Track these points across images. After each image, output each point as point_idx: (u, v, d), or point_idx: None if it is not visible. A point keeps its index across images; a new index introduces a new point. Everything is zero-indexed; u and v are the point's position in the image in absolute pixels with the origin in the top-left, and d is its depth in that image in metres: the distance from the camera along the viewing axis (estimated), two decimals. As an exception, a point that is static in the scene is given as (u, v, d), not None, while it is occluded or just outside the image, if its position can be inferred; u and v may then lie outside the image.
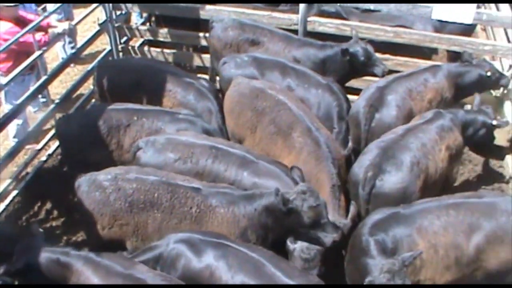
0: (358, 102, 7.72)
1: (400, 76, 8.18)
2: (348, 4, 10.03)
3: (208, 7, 9.95)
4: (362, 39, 8.76)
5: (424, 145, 6.77)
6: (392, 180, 6.38)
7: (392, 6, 9.19)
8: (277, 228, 5.92)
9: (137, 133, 7.49)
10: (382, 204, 6.14)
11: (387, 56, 9.47)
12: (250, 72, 8.24)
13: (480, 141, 7.64)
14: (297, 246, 5.94)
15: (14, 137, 9.11)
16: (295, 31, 9.52)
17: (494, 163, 9.11)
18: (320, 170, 6.71)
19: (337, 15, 9.98)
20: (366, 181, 6.33)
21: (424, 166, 6.61)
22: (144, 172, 6.33)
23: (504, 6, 10.56)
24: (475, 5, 8.74)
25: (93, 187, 6.23)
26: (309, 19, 9.49)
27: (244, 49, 9.00)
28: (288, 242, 5.95)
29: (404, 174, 6.42)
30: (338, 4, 9.65)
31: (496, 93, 9.62)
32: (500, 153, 8.80)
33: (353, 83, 9.06)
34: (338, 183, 6.63)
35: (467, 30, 10.32)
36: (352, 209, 6.31)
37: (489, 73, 8.14)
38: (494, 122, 7.34)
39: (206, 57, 10.19)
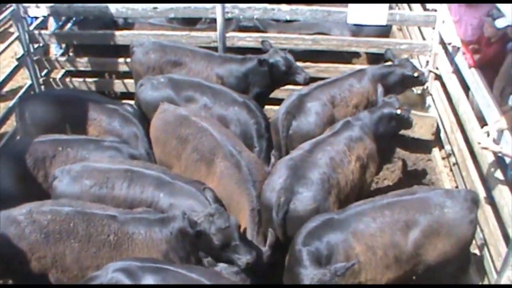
0: (279, 110, 7.75)
1: (324, 83, 8.22)
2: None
3: (126, 32, 9.94)
4: (283, 49, 8.84)
5: (332, 159, 6.70)
6: (304, 201, 6.27)
7: (308, 14, 9.35)
8: (195, 250, 5.88)
9: (63, 163, 7.33)
10: (298, 226, 6.04)
11: (308, 64, 9.60)
12: (166, 94, 8.16)
13: (392, 133, 7.71)
14: (218, 269, 5.88)
15: None
16: (215, 48, 9.53)
17: (422, 157, 9.32)
18: (240, 193, 6.58)
19: (255, 29, 10.04)
20: (279, 207, 6.19)
21: (334, 181, 6.54)
22: (59, 204, 6.19)
23: (416, 6, 10.91)
24: (387, 6, 8.94)
25: (7, 222, 6.07)
26: (227, 35, 9.54)
27: (167, 71, 8.90)
28: (206, 263, 5.89)
29: (315, 193, 6.32)
30: (255, 17, 9.67)
31: (417, 90, 9.89)
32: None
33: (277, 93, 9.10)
34: (258, 206, 6.50)
35: (384, 31, 10.61)
36: (270, 236, 6.16)
37: (416, 74, 8.26)
38: (399, 112, 7.37)
39: (129, 82, 10.11)
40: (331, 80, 8.31)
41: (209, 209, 5.80)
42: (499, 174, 6.64)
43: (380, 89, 7.77)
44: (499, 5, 5.12)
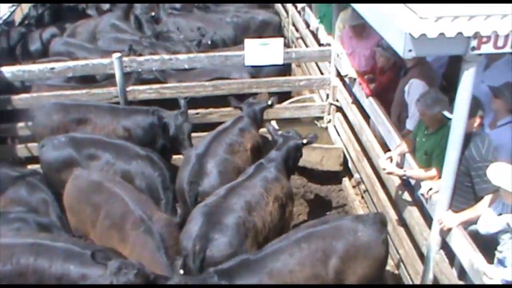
0: (182, 176, 7.44)
1: (216, 134, 8.01)
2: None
3: (25, 95, 9.66)
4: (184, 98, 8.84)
5: (248, 202, 6.66)
6: (221, 248, 6.21)
7: (205, 61, 9.44)
8: None
9: None
10: None
11: (211, 110, 9.67)
12: (68, 153, 7.98)
13: (297, 161, 7.83)
14: None
15: None
16: (117, 104, 9.44)
17: (334, 188, 9.48)
18: (154, 263, 6.32)
19: (156, 80, 10.03)
20: (196, 255, 6.13)
21: (251, 224, 6.49)
22: None
23: (311, 42, 11.23)
24: (282, 45, 9.14)
25: None
26: (128, 89, 9.46)
27: (72, 130, 8.69)
28: None
29: (231, 238, 6.27)
30: (154, 69, 9.67)
31: (320, 123, 10.13)
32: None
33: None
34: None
35: (283, 70, 10.85)
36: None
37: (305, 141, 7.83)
38: (305, 141, 7.53)
39: (33, 146, 9.81)
40: (221, 129, 8.16)
41: (113, 264, 5.57)
42: (407, 196, 6.85)
43: (271, 127, 7.90)
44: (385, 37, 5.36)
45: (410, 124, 7.06)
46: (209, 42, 11.68)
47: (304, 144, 7.53)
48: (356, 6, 6.07)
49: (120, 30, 12.75)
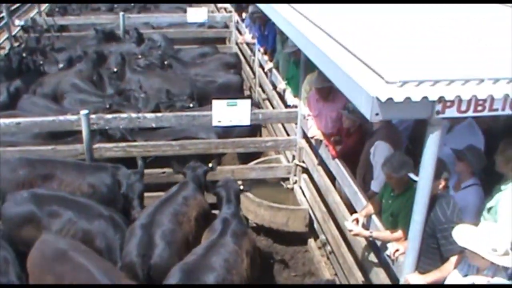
0: (129, 250, 7.04)
1: (160, 204, 7.75)
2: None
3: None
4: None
5: (226, 260, 6.68)
6: None
7: (173, 121, 9.48)
8: None
9: None
10: None
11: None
12: (29, 209, 7.83)
13: None
14: None
15: None
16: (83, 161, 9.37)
17: (299, 249, 9.45)
18: None
19: (122, 138, 10.01)
20: None
21: (229, 282, 6.53)
22: None
23: (278, 103, 11.38)
24: (249, 107, 9.26)
25: None
26: (94, 146, 9.41)
27: (38, 186, 8.57)
28: None
29: None
30: (121, 127, 9.68)
31: (286, 184, 10.16)
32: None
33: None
34: None
35: (253, 130, 10.93)
36: None
37: None
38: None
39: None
40: (164, 198, 7.94)
41: None
42: (373, 258, 6.87)
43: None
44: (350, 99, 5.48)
45: (375, 186, 7.14)
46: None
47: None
48: (324, 68, 6.18)
49: (82, 90, 12.72)
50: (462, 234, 5.10)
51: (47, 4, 21.71)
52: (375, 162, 7.07)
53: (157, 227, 7.20)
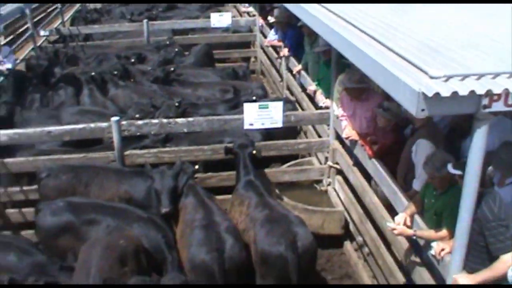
0: (196, 251, 6.99)
1: (207, 204, 7.87)
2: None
3: (20, 159, 9.57)
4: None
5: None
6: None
7: (204, 125, 9.42)
8: None
9: None
10: None
11: (209, 174, 9.60)
12: (66, 218, 7.81)
13: None
14: None
15: None
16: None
17: (335, 252, 9.35)
18: None
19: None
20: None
21: None
22: None
23: (308, 105, 11.28)
24: (282, 108, 9.16)
25: None
26: (126, 153, 9.40)
27: (79, 192, 8.65)
28: None
29: None
30: (153, 133, 9.65)
31: (320, 186, 10.05)
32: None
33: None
34: None
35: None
36: None
37: None
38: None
39: (27, 211, 9.65)
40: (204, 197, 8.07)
41: None
42: (415, 258, 6.73)
43: None
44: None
45: (417, 185, 7.00)
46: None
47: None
48: (363, 67, 6.08)
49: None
50: None
51: (70, 14, 21.91)
52: (417, 161, 6.94)
53: (217, 225, 7.21)
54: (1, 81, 13.60)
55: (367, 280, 8.40)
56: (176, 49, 16.13)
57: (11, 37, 19.72)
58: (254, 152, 8.61)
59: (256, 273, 7.15)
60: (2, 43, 17.02)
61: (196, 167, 8.64)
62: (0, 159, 9.47)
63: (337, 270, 9.04)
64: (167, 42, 16.95)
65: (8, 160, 9.51)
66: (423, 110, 4.75)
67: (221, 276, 6.64)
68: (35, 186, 9.29)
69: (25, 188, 9.61)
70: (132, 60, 15.21)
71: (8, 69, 13.56)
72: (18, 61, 16.07)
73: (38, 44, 17.77)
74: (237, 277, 6.83)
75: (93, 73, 13.52)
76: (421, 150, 6.86)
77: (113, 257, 6.64)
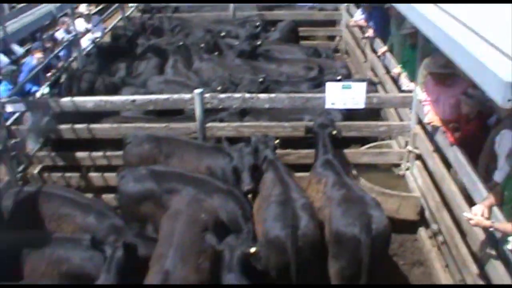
0: (271, 226, 6.93)
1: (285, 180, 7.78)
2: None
3: (105, 126, 9.93)
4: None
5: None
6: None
7: (286, 102, 9.44)
8: None
9: (38, 262, 7.07)
10: None
11: (288, 151, 9.63)
12: (148, 186, 8.05)
13: None
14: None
15: None
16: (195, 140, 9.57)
17: (408, 238, 9.23)
18: None
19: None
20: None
21: None
22: None
23: (391, 87, 11.11)
24: (365, 89, 9.07)
25: None
26: (207, 125, 9.56)
27: (160, 162, 8.89)
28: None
29: None
30: (234, 107, 9.78)
31: (398, 170, 9.93)
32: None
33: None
34: None
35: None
36: None
37: None
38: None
39: (109, 176, 10.02)
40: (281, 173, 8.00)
41: None
42: (491, 251, 6.59)
43: None
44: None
45: (498, 176, 6.81)
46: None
47: None
48: (450, 52, 5.95)
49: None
50: None
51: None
52: (500, 152, 6.77)
53: (294, 201, 7.19)
54: (90, 49, 14.06)
55: (439, 269, 8.27)
56: (262, 24, 16.15)
57: (101, 6, 20.18)
58: (334, 131, 8.56)
59: (328, 252, 7.16)
60: (92, 12, 17.50)
61: (277, 141, 8.64)
62: (86, 124, 9.85)
63: (409, 256, 8.94)
64: (253, 17, 17.01)
65: (93, 125, 9.89)
66: (509, 100, 4.62)
67: (294, 252, 6.64)
68: (117, 152, 9.62)
69: (108, 153, 9.98)
70: (223, 34, 15.31)
71: (97, 38, 13.96)
72: (106, 30, 16.54)
73: (127, 14, 18.18)
74: (310, 254, 6.84)
75: (181, 43, 13.78)
76: (505, 141, 6.67)
77: (195, 232, 6.79)
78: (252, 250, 6.42)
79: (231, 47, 14.37)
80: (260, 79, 11.32)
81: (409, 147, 9.57)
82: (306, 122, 9.49)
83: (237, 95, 9.63)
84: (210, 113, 9.90)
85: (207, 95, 9.41)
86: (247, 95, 9.58)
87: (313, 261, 6.93)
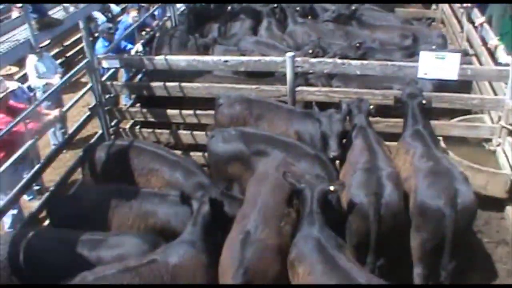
0: (355, 192, 6.93)
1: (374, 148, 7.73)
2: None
3: (197, 84, 10.12)
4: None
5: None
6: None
7: (378, 69, 9.33)
8: None
9: (126, 215, 7.37)
10: None
11: (377, 119, 9.52)
12: (237, 146, 8.19)
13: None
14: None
15: (10, 227, 8.91)
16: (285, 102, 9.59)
17: (495, 215, 9.05)
18: None
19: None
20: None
21: None
22: None
23: (486, 60, 10.77)
24: (459, 61, 8.85)
25: None
26: (297, 89, 9.58)
27: (249, 124, 9.02)
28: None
29: None
30: (325, 72, 9.73)
31: (489, 146, 9.68)
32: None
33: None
34: None
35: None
36: None
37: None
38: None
39: (198, 134, 10.22)
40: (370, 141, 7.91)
41: None
42: None
43: None
44: None
45: None
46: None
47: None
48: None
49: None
50: None
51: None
52: None
53: (380, 170, 7.15)
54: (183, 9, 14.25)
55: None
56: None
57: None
58: (424, 101, 8.39)
59: (412, 223, 7.10)
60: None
61: (371, 106, 8.53)
62: (177, 83, 10.05)
63: (495, 234, 8.76)
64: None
65: (185, 84, 10.08)
66: None
67: (376, 220, 6.63)
68: (207, 111, 9.79)
69: (198, 112, 10.16)
70: None
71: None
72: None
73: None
74: (392, 224, 6.80)
75: (275, 5, 13.77)
76: None
77: (280, 197, 6.84)
78: (332, 188, 6.47)
79: (326, 10, 14.24)
80: (357, 44, 11.20)
81: (502, 122, 9.27)
82: (396, 91, 9.34)
83: (329, 60, 9.61)
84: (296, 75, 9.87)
85: (298, 59, 9.41)
86: (339, 60, 9.53)
87: (395, 231, 6.87)
